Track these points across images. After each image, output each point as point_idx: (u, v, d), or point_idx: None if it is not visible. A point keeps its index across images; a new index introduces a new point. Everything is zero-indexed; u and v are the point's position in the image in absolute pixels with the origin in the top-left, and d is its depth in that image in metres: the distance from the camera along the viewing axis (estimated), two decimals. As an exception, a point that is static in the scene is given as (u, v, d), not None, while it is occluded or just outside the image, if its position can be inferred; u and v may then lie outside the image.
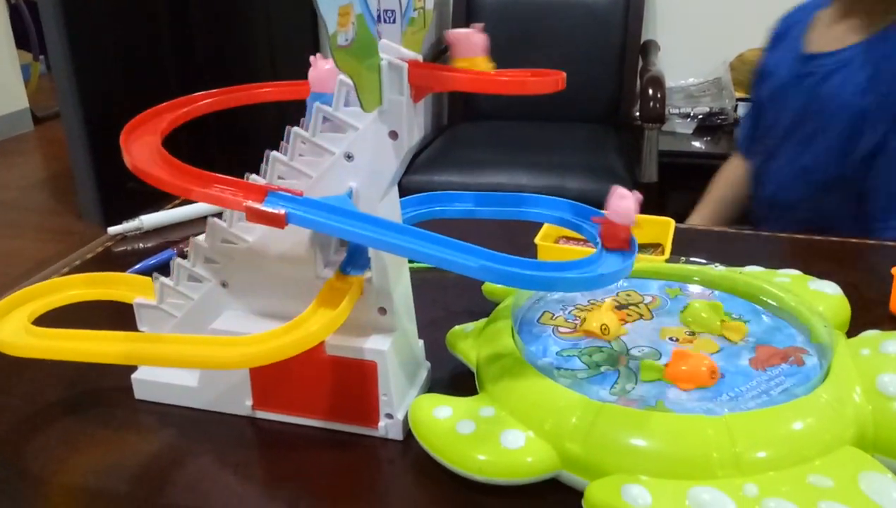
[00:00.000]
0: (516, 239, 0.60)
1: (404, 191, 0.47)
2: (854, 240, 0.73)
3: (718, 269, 0.56)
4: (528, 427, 0.41)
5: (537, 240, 0.64)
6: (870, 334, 0.46)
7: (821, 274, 0.56)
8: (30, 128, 3.79)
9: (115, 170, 2.30)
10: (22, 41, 3.83)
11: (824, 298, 0.53)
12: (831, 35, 0.95)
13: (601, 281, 0.39)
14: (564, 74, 0.41)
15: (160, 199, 0.79)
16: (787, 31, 1.03)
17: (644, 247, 0.66)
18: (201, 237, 0.46)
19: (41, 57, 3.97)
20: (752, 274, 0.55)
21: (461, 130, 2.17)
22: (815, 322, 0.47)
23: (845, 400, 0.41)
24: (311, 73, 0.43)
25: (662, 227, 0.66)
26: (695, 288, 0.54)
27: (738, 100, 2.16)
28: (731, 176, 1.13)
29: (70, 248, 0.72)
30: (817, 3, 1.00)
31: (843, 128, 0.90)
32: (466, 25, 0.41)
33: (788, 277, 0.55)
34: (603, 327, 0.47)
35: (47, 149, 3.60)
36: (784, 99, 0.99)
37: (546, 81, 0.41)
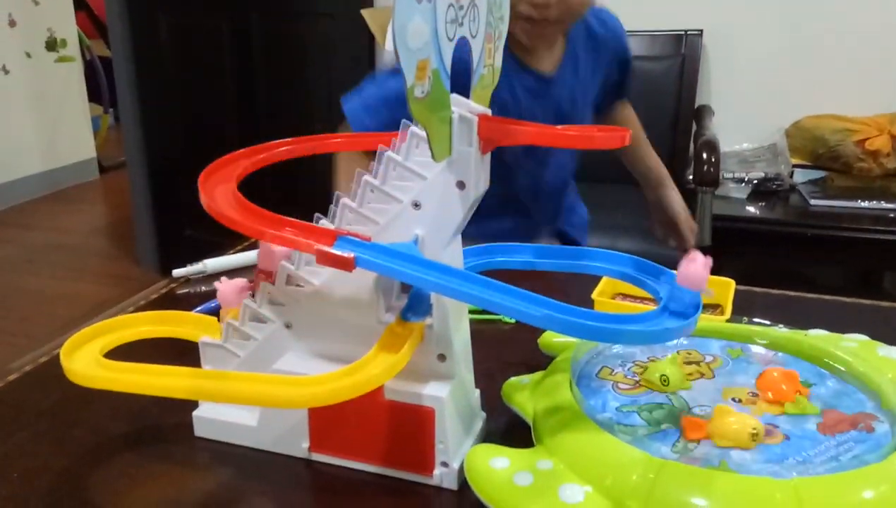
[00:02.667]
0: (573, 293, 0.60)
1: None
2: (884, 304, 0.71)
3: (782, 331, 0.55)
4: (587, 482, 0.40)
5: (594, 295, 0.64)
6: (943, 402, 0.44)
7: (889, 341, 0.55)
8: (95, 177, 3.95)
9: (174, 219, 2.38)
10: (94, 94, 4.03)
11: (894, 365, 0.51)
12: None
13: (665, 336, 0.39)
14: (630, 131, 0.42)
15: (215, 248, 0.81)
16: None
17: (703, 308, 0.65)
18: (268, 282, 0.47)
19: (111, 110, 4.17)
20: (818, 337, 0.54)
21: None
22: (885, 387, 0.46)
23: (920, 469, 0.39)
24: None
25: (722, 288, 0.65)
26: (758, 350, 0.53)
27: (795, 166, 2.14)
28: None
29: (127, 292, 0.74)
30: None
31: None
32: None
33: (856, 342, 0.54)
34: (663, 378, 0.46)
35: (110, 198, 3.74)
36: None
37: (613, 137, 0.42)
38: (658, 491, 0.38)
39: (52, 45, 3.69)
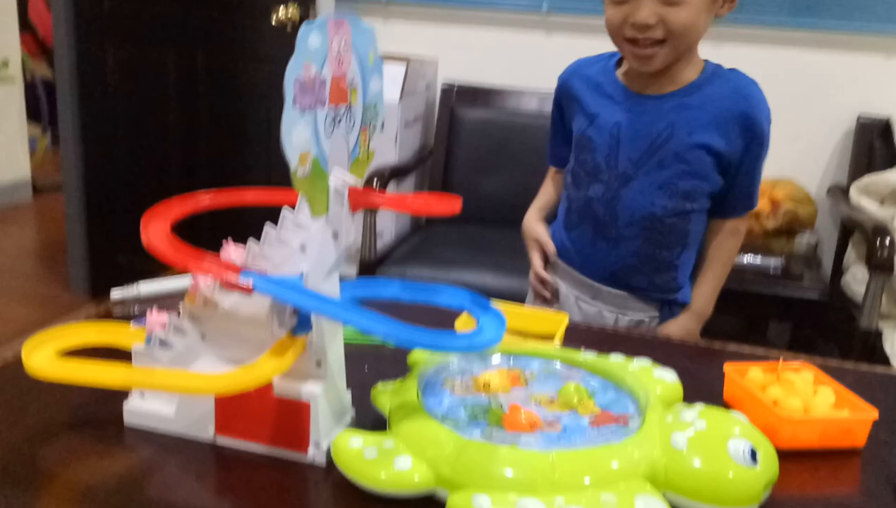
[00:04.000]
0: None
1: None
2: (690, 344, 0.90)
3: (587, 354, 0.72)
4: (415, 455, 0.56)
5: (457, 323, 0.80)
6: (678, 406, 0.62)
7: (671, 365, 0.73)
8: (29, 199, 3.97)
9: (107, 244, 2.45)
10: (33, 114, 4.06)
11: (662, 382, 0.69)
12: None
13: (470, 348, 0.55)
14: (461, 199, 0.59)
15: (145, 274, 0.94)
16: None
17: (544, 337, 0.82)
18: (188, 302, 0.62)
19: (49, 131, 4.20)
20: (613, 361, 0.71)
21: (437, 230, 2.36)
22: (642, 395, 0.63)
23: (644, 448, 0.56)
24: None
25: (556, 322, 0.82)
26: (563, 367, 0.70)
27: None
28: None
29: (55, 315, 0.85)
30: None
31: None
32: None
33: (640, 365, 0.71)
34: (485, 384, 0.62)
35: (43, 220, 3.76)
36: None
37: (446, 204, 0.58)
38: (462, 459, 0.54)
39: (-7, 65, 3.73)
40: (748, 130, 1.06)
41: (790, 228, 2.39)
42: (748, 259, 2.18)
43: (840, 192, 2.32)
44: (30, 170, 3.98)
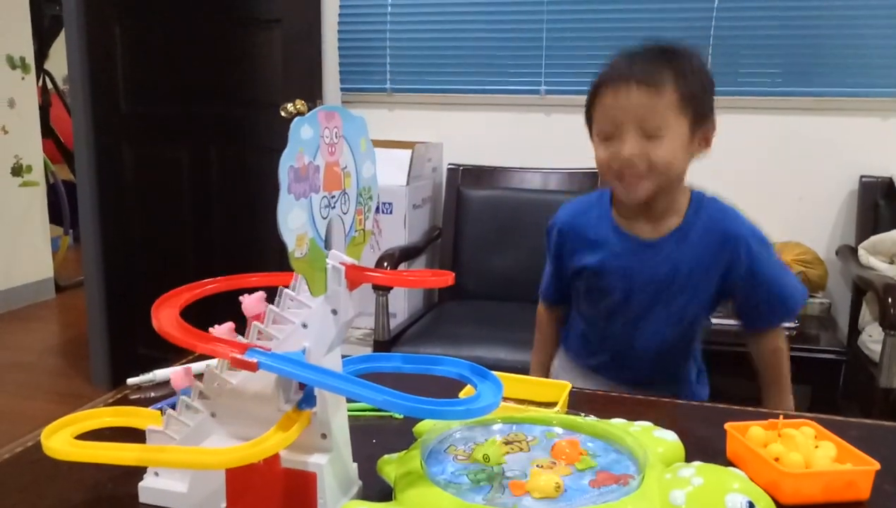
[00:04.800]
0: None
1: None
2: (695, 403, 0.93)
3: (588, 419, 0.73)
4: (419, 521, 0.57)
5: (461, 394, 0.82)
6: (678, 464, 0.63)
7: (673, 428, 0.74)
8: (52, 296, 4.06)
9: (128, 337, 2.51)
10: (55, 215, 4.20)
11: (663, 442, 0.70)
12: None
13: (466, 415, 0.57)
14: (453, 274, 0.62)
15: (164, 364, 0.97)
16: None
17: (547, 405, 0.84)
18: (199, 381, 0.65)
19: (70, 231, 4.33)
20: (613, 424, 0.73)
21: (448, 308, 2.39)
22: (642, 456, 0.64)
23: (643, 506, 0.57)
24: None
25: (560, 389, 0.84)
26: (565, 432, 0.71)
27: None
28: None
29: (77, 409, 0.89)
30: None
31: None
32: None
33: (640, 426, 0.73)
34: (485, 456, 0.64)
35: (65, 317, 3.84)
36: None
37: (440, 279, 0.61)
38: (463, 524, 0.55)
39: (17, 170, 3.89)
40: (737, 250, 1.16)
41: (802, 290, 2.39)
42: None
43: (849, 252, 2.33)
44: (52, 268, 4.09)
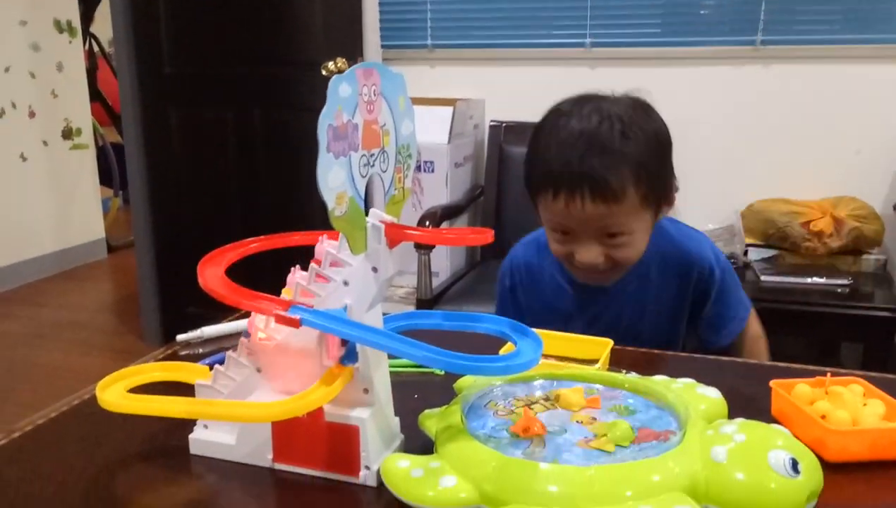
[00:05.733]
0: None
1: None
2: (739, 361, 0.92)
3: (630, 376, 0.73)
4: (459, 474, 0.58)
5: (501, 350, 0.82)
6: (719, 421, 0.63)
7: (716, 385, 0.73)
8: (103, 256, 4.18)
9: (177, 296, 2.58)
10: (105, 178, 4.30)
11: (705, 398, 0.70)
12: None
13: (506, 370, 0.58)
14: (492, 232, 0.62)
15: (212, 322, 1.00)
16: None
17: (588, 362, 0.84)
18: (246, 338, 0.66)
19: (120, 192, 4.43)
20: (655, 380, 0.73)
21: (491, 266, 2.39)
22: (683, 411, 0.64)
23: (683, 461, 0.57)
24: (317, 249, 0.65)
25: (601, 346, 0.84)
26: (605, 389, 0.71)
27: (748, 245, 2.35)
28: None
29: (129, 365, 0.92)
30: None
31: None
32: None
33: (682, 383, 0.72)
34: (524, 429, 0.64)
35: (117, 276, 3.95)
36: None
37: (480, 237, 0.61)
38: (504, 476, 0.56)
39: (67, 133, 3.97)
40: (703, 278, 1.08)
41: (856, 247, 2.33)
42: (814, 280, 2.15)
43: (908, 207, 2.26)
44: (104, 229, 4.20)
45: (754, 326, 1.16)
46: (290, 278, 0.66)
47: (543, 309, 1.13)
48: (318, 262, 0.62)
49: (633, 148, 0.95)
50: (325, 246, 0.64)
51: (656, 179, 0.98)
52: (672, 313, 1.10)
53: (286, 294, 0.65)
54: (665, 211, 1.05)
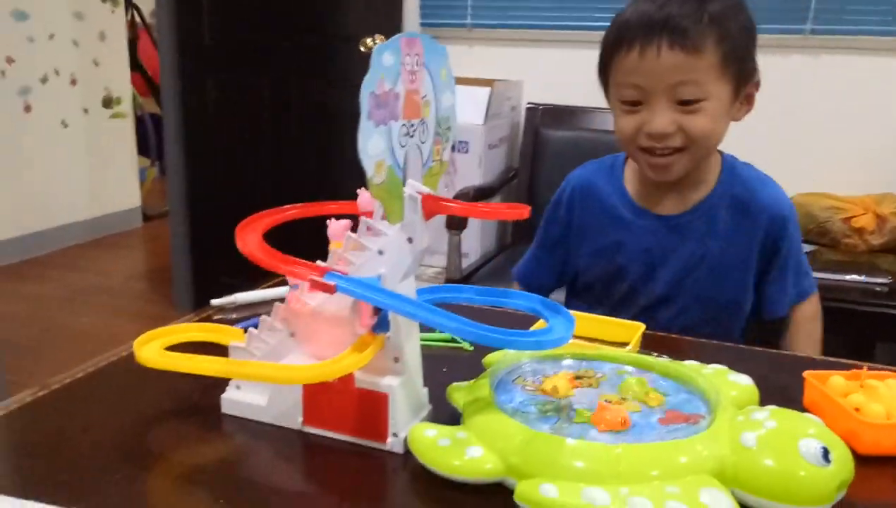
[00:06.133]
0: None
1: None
2: (773, 351, 0.90)
3: (661, 359, 0.73)
4: (486, 445, 0.59)
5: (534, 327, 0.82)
6: (751, 408, 0.62)
7: (748, 373, 0.73)
8: (139, 225, 4.24)
9: (210, 265, 2.62)
10: (142, 147, 4.36)
11: (737, 385, 0.69)
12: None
13: (537, 346, 0.58)
14: (529, 208, 0.62)
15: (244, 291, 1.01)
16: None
17: (619, 344, 0.84)
18: (281, 303, 0.67)
19: (157, 162, 4.49)
20: (685, 365, 0.72)
21: (522, 250, 2.37)
22: (714, 397, 0.64)
23: (712, 445, 0.57)
24: (360, 199, 0.65)
25: (633, 329, 0.83)
26: (635, 371, 0.71)
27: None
28: None
29: None
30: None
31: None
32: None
33: (713, 369, 0.72)
34: (553, 388, 0.65)
35: (151, 245, 4.01)
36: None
37: (514, 212, 0.61)
38: (530, 450, 0.57)
39: (107, 102, 4.03)
40: (774, 228, 1.04)
41: (898, 245, 2.29)
42: (852, 278, 2.11)
43: (951, 206, 2.21)
44: (140, 198, 4.27)
45: (816, 305, 1.12)
46: (330, 228, 0.66)
47: (597, 231, 1.09)
48: (355, 228, 0.63)
49: (718, 6, 0.92)
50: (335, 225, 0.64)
51: (740, 45, 0.94)
52: (738, 260, 1.04)
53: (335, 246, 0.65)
54: (745, 107, 0.99)
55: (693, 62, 0.91)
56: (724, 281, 1.04)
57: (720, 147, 1.04)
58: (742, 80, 0.96)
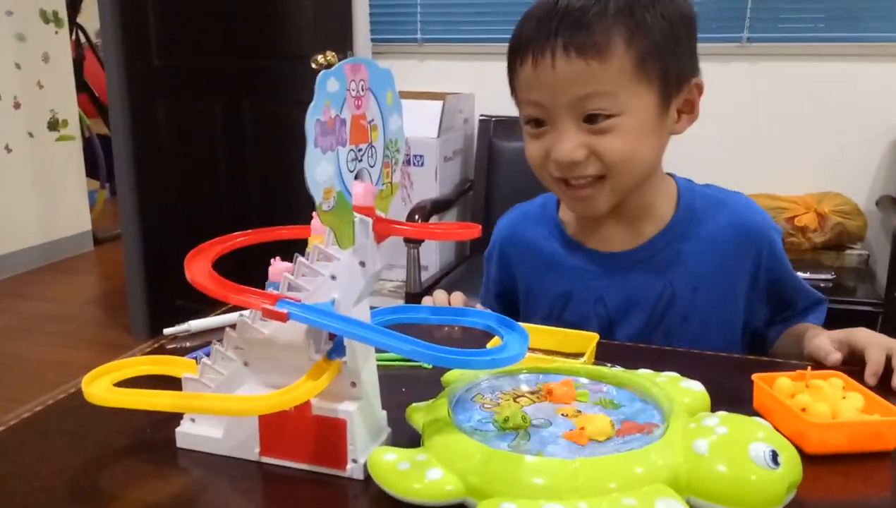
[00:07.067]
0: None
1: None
2: (723, 355, 0.90)
3: (613, 369, 0.74)
4: (445, 466, 0.59)
5: (489, 344, 0.83)
6: (702, 414, 0.63)
7: (700, 379, 0.74)
8: (90, 249, 4.16)
9: (165, 289, 2.59)
10: (91, 170, 4.28)
11: (689, 392, 0.71)
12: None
13: (493, 364, 0.58)
14: (480, 227, 0.62)
15: (201, 316, 0.99)
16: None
17: (574, 356, 0.85)
18: (233, 331, 0.66)
19: (107, 184, 4.40)
20: (639, 374, 0.73)
21: (481, 260, 2.39)
22: (666, 405, 0.65)
23: (666, 454, 0.58)
24: (313, 222, 0.65)
25: (587, 340, 0.84)
26: (590, 382, 0.72)
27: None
28: None
29: (116, 358, 0.91)
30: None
31: None
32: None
33: (666, 377, 0.73)
34: (504, 419, 0.65)
35: (104, 269, 3.93)
36: None
37: (467, 232, 0.62)
38: (489, 469, 0.57)
39: (53, 125, 3.95)
40: (762, 252, 0.90)
41: (839, 242, 2.36)
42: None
43: (890, 203, 2.29)
44: (90, 222, 4.18)
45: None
46: (271, 270, 0.66)
47: (540, 286, 0.94)
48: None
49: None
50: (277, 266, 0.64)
51: (663, 41, 0.76)
52: (721, 300, 0.90)
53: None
54: (685, 116, 0.82)
55: (596, 69, 0.74)
56: (706, 330, 0.89)
57: (672, 168, 0.92)
58: (671, 85, 0.79)
